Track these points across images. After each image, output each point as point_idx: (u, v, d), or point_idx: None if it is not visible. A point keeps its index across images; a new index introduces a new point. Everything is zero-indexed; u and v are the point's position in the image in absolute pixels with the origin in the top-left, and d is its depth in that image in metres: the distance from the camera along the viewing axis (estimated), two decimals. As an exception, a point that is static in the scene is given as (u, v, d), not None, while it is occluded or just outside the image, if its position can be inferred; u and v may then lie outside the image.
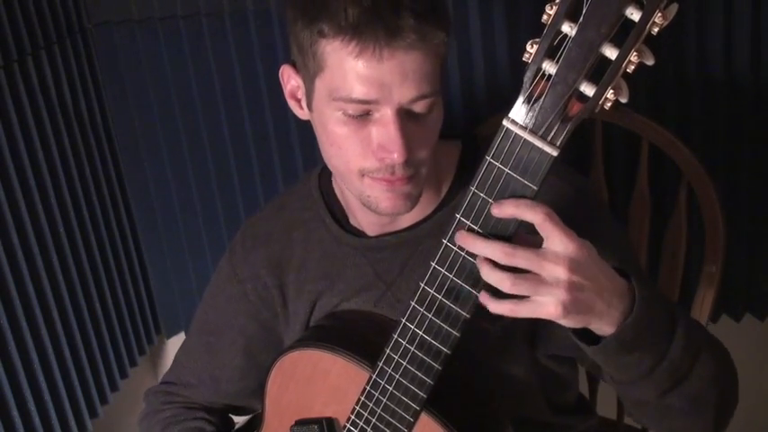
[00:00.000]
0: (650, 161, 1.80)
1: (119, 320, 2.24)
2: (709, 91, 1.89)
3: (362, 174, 1.33)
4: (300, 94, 1.39)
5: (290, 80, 1.40)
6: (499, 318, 1.37)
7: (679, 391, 1.26)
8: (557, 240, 1.10)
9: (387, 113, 1.27)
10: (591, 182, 1.84)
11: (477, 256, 1.15)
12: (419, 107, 1.29)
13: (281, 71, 1.41)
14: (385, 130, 1.28)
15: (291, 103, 1.42)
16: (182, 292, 2.34)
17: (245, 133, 2.13)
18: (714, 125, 1.92)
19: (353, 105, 1.27)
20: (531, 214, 1.10)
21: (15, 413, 1.86)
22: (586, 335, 1.20)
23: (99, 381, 2.16)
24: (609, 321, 1.16)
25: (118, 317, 2.23)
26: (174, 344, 2.43)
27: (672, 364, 1.22)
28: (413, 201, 1.37)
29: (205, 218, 2.24)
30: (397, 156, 1.27)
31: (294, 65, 1.38)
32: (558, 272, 1.10)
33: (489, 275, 1.13)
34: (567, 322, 1.15)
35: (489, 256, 1.13)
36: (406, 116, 1.28)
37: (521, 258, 1.11)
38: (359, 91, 1.25)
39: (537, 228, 1.11)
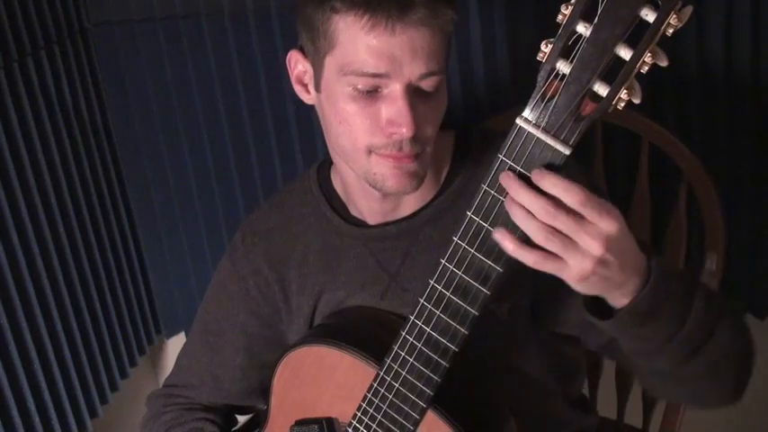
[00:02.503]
0: (650, 161, 1.81)
1: (119, 320, 2.24)
2: (709, 91, 1.90)
3: (370, 150, 1.34)
4: (307, 79, 1.41)
5: (297, 65, 1.41)
6: (504, 299, 1.38)
7: (697, 359, 1.25)
8: (597, 217, 1.09)
9: (396, 89, 1.28)
10: (593, 173, 1.84)
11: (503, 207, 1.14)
12: (427, 85, 1.30)
13: (288, 57, 1.42)
14: (394, 105, 1.29)
15: (298, 88, 1.44)
16: (182, 292, 2.33)
17: (245, 133, 2.13)
18: (714, 125, 1.92)
19: (364, 79, 1.29)
20: (569, 197, 1.08)
21: (15, 413, 1.86)
22: (598, 310, 1.21)
23: (99, 381, 2.16)
24: (625, 293, 1.17)
25: (118, 317, 2.23)
26: (174, 344, 2.44)
27: (689, 334, 1.21)
28: (418, 180, 1.37)
29: (205, 218, 2.24)
30: (405, 130, 1.29)
31: (301, 50, 1.39)
32: (594, 246, 1.09)
33: (524, 222, 1.11)
34: (582, 289, 1.15)
35: (529, 208, 1.10)
36: (414, 93, 1.30)
37: (561, 223, 1.09)
38: (370, 64, 1.27)
39: (577, 209, 1.09)
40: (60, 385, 2.00)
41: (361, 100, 1.31)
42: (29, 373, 1.90)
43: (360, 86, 1.29)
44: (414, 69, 1.27)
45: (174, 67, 2.09)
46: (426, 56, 1.27)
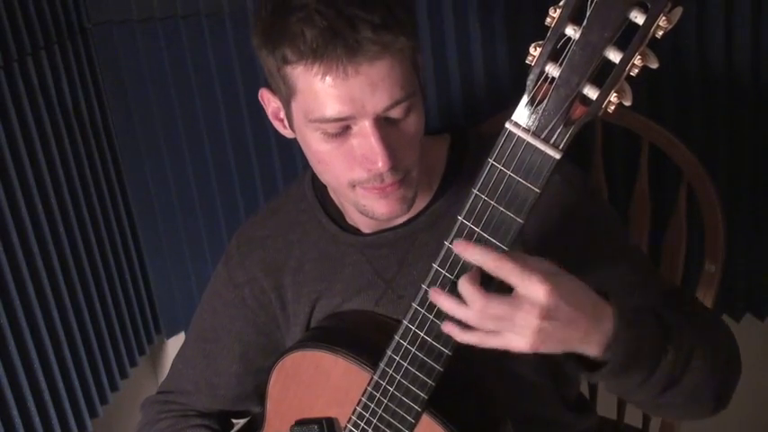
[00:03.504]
0: (650, 161, 1.80)
1: (119, 320, 2.24)
2: (709, 91, 1.89)
3: (353, 185, 1.34)
4: (282, 115, 1.40)
5: (271, 102, 1.41)
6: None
7: (674, 390, 1.27)
8: (527, 288, 1.13)
9: (364, 125, 1.27)
10: (589, 176, 1.84)
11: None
12: (396, 113, 1.29)
13: (260, 95, 1.42)
14: (365, 141, 1.28)
15: (276, 124, 1.43)
16: (182, 292, 2.34)
17: (245, 133, 2.13)
18: (714, 125, 1.92)
19: (330, 124, 1.28)
20: (495, 267, 1.14)
21: (15, 413, 1.86)
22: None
23: (99, 381, 2.16)
24: (592, 345, 1.18)
25: (118, 317, 2.24)
26: (174, 344, 2.44)
27: (663, 373, 1.24)
28: (408, 203, 1.38)
29: (205, 218, 2.24)
30: (381, 165, 1.28)
31: (270, 88, 1.39)
32: (529, 319, 1.13)
33: (454, 310, 1.18)
34: (541, 351, 1.17)
35: (467, 301, 1.17)
36: (384, 123, 1.29)
37: (496, 309, 1.15)
38: (332, 110, 1.26)
39: (504, 279, 1.14)
40: (60, 385, 2.01)
41: (333, 141, 1.30)
42: (29, 373, 1.90)
43: (328, 130, 1.29)
44: (377, 104, 1.26)
45: (174, 67, 2.09)
46: (388, 87, 1.25)
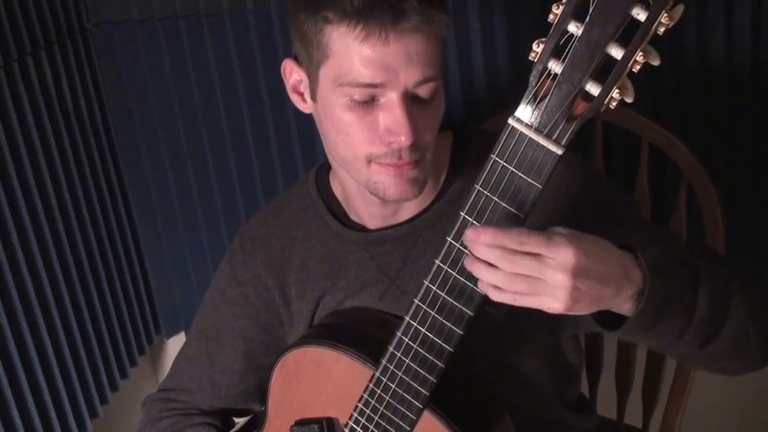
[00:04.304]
0: (650, 161, 1.80)
1: (119, 320, 2.24)
2: (709, 91, 1.89)
3: (369, 160, 1.33)
4: (303, 88, 1.40)
5: (293, 74, 1.40)
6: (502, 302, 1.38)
7: (718, 339, 1.25)
8: (555, 252, 1.11)
9: (393, 97, 1.27)
10: (590, 162, 1.84)
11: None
12: (423, 92, 1.29)
13: (282, 66, 1.41)
14: (391, 113, 1.28)
15: (294, 98, 1.43)
16: (182, 292, 2.34)
17: (245, 133, 2.13)
18: (714, 125, 1.92)
19: (360, 90, 1.28)
20: (518, 244, 1.11)
21: (15, 413, 1.86)
22: (608, 317, 1.21)
23: (99, 381, 2.16)
24: (623, 300, 1.17)
25: (118, 317, 2.24)
26: (174, 344, 2.44)
27: (702, 320, 1.22)
28: (420, 186, 1.37)
29: (205, 218, 2.24)
30: (404, 138, 1.28)
31: (296, 59, 1.39)
32: (560, 278, 1.10)
33: (487, 275, 1.14)
34: (576, 312, 1.15)
35: (490, 261, 1.13)
36: (411, 101, 1.29)
37: (521, 266, 1.11)
38: (365, 75, 1.26)
39: (529, 251, 1.12)
40: (60, 385, 2.01)
41: (358, 109, 1.30)
42: (29, 373, 1.91)
43: (356, 97, 1.28)
44: (409, 77, 1.26)
45: (174, 67, 2.09)
46: (422, 63, 1.26)
